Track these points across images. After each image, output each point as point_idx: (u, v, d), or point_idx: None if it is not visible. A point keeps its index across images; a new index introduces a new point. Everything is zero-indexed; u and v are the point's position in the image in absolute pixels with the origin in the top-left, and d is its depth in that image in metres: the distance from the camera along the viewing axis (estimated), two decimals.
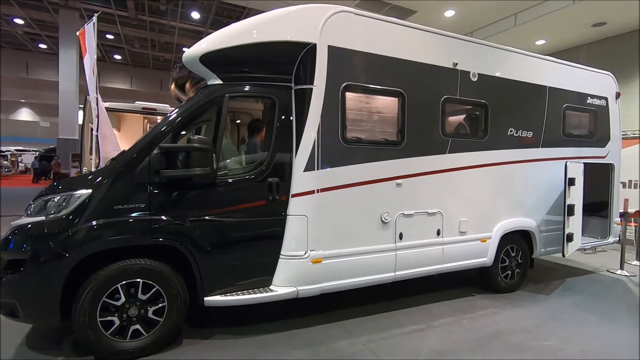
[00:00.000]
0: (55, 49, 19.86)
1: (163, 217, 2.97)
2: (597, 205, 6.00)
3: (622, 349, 3.41)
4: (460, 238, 4.27)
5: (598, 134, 5.57)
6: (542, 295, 4.75)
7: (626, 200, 6.10)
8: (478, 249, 4.42)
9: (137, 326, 2.89)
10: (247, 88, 3.34)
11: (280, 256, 3.36)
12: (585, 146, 5.44)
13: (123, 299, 2.84)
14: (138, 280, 2.89)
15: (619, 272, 5.98)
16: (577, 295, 4.83)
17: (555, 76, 5.06)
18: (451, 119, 4.32)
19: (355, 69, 3.59)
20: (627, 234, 8.63)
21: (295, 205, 3.36)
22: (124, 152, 3.09)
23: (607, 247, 7.94)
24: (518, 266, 4.87)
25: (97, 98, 4.73)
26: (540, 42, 15.72)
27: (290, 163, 3.36)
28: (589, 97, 5.42)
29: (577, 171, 4.84)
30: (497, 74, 4.52)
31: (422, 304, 4.35)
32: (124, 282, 2.84)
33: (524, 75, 4.76)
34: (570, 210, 4.65)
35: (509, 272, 4.78)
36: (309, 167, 3.36)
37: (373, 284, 3.77)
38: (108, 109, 6.88)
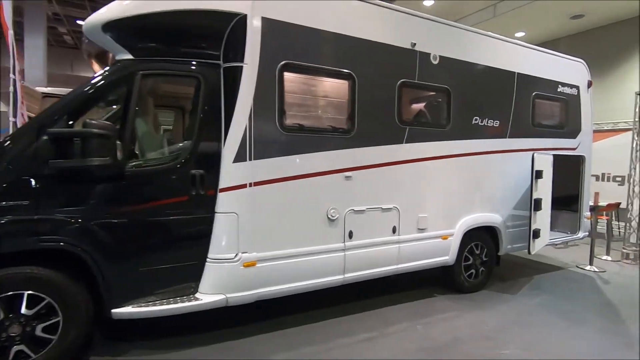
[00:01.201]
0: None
1: (56, 217, 2.49)
2: (567, 199, 5.78)
3: (586, 357, 3.13)
4: (419, 236, 3.92)
5: (569, 125, 5.30)
6: (508, 295, 4.47)
7: (596, 194, 5.89)
8: (439, 247, 4.09)
9: (22, 347, 2.42)
10: (164, 65, 2.87)
11: (207, 260, 2.93)
12: (556, 137, 5.16)
13: (1, 315, 2.37)
14: (23, 292, 2.41)
15: (588, 267, 5.79)
16: (544, 294, 4.56)
17: (524, 62, 4.74)
18: (409, 105, 3.93)
19: (296, 45, 3.15)
20: (598, 228, 8.58)
21: (223, 201, 2.92)
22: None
23: (579, 241, 7.81)
24: (483, 264, 4.56)
25: (14, 79, 4.16)
26: (520, 34, 15.54)
27: (218, 153, 2.91)
28: (559, 86, 5.13)
29: (545, 163, 4.55)
30: (461, 57, 4.14)
31: (379, 307, 3.99)
32: (3, 295, 2.36)
33: (490, 60, 4.41)
34: (537, 204, 4.36)
35: (473, 270, 4.48)
36: (240, 157, 2.93)
37: (319, 288, 3.39)
38: (48, 95, 6.28)
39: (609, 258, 6.47)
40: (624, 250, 6.39)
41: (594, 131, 10.09)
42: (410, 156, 3.81)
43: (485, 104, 4.37)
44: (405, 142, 3.76)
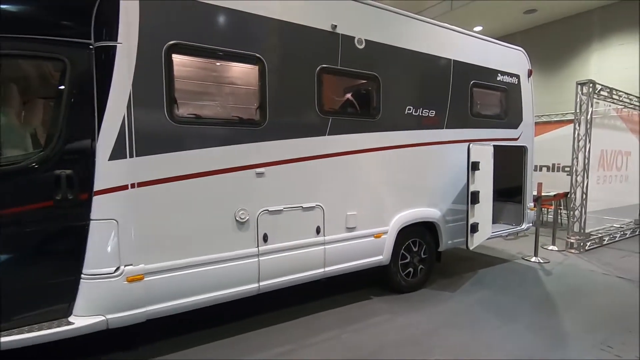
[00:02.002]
0: None
1: None
2: (512, 191, 5.70)
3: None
4: (347, 235, 3.63)
5: (509, 115, 5.18)
6: (447, 293, 4.28)
7: (539, 185, 5.86)
8: (371, 247, 3.81)
9: None
10: (21, 44, 2.38)
11: (82, 276, 2.48)
12: (496, 128, 5.02)
13: None
14: None
15: (533, 259, 5.76)
16: (484, 289, 4.41)
17: (461, 49, 4.53)
18: (332, 94, 3.61)
19: (187, 24, 2.72)
20: (547, 218, 8.72)
21: (99, 206, 2.47)
22: None
23: (528, 232, 7.87)
24: (421, 262, 4.35)
25: None
26: (477, 28, 15.76)
27: (90, 149, 2.46)
28: (499, 74, 4.99)
29: (482, 154, 4.38)
30: (391, 43, 3.86)
31: (308, 314, 3.68)
32: None
33: (425, 46, 4.17)
34: (474, 197, 4.18)
35: (411, 269, 4.25)
36: (118, 153, 2.49)
37: (227, 301, 3.01)
38: None
39: (555, 248, 6.50)
40: (569, 240, 6.43)
41: (546, 122, 10.36)
42: (335, 149, 3.49)
43: (419, 93, 4.13)
44: (329, 134, 3.44)
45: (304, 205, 3.34)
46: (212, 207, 2.88)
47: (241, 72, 3.04)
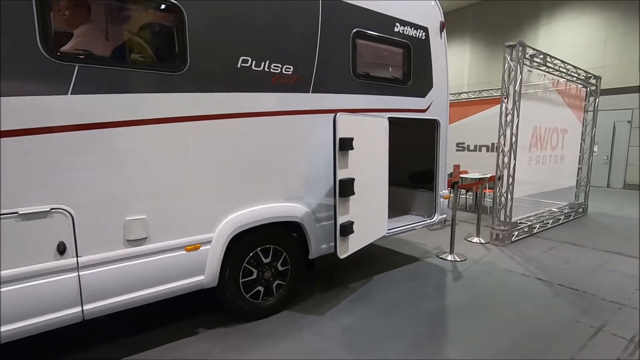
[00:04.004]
0: None
1: None
2: (427, 175, 4.67)
3: None
4: (128, 252, 2.36)
5: (414, 79, 4.05)
6: (312, 317, 3.17)
7: (456, 167, 4.86)
8: (180, 265, 2.58)
9: None
10: None
11: None
12: (394, 94, 3.89)
13: None
14: None
15: (449, 257, 4.82)
16: (365, 308, 3.34)
17: None
18: (74, 21, 2.25)
19: None
20: (484, 202, 7.90)
21: None
22: None
23: (458, 220, 7.01)
24: (280, 276, 3.21)
25: None
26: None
27: None
28: (397, 24, 3.81)
29: (361, 128, 3.23)
30: None
31: None
32: None
33: None
34: (346, 187, 3.04)
35: (261, 288, 3.10)
36: None
37: None
38: None
39: (481, 240, 5.63)
40: (493, 231, 5.57)
41: (490, 98, 9.52)
42: (89, 117, 2.17)
43: (263, 38, 2.86)
44: (72, 93, 2.10)
45: (28, 211, 2.03)
46: None
47: None
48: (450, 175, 4.87)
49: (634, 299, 3.59)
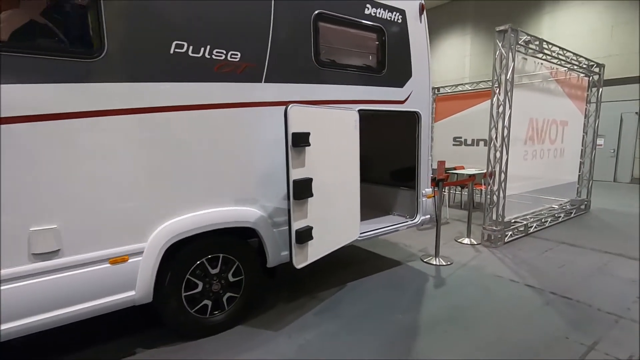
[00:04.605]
0: None
1: None
2: (407, 173, 4.31)
3: None
4: (35, 268, 2.05)
5: (390, 67, 3.68)
6: (267, 334, 2.84)
7: (441, 163, 4.49)
8: (105, 280, 2.26)
9: None
10: None
11: None
12: (367, 84, 3.52)
13: None
14: None
15: (434, 261, 4.46)
16: (330, 321, 2.99)
17: None
18: None
19: None
20: (481, 199, 7.44)
21: None
22: None
23: (451, 219, 6.64)
24: (230, 288, 2.89)
25: None
26: None
27: None
28: (368, 6, 3.44)
29: (321, 122, 2.89)
30: None
31: None
32: None
33: None
34: (302, 188, 2.70)
35: (208, 302, 2.78)
36: None
37: None
38: None
39: (472, 241, 5.26)
40: (484, 231, 5.19)
41: (486, 90, 9.06)
42: None
43: (200, 19, 2.51)
44: None
45: None
46: None
47: None
48: (434, 172, 4.51)
49: (634, 309, 3.20)
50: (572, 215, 6.78)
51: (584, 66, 6.68)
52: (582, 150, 7.23)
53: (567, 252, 4.79)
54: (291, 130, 2.56)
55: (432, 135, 10.05)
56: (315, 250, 2.91)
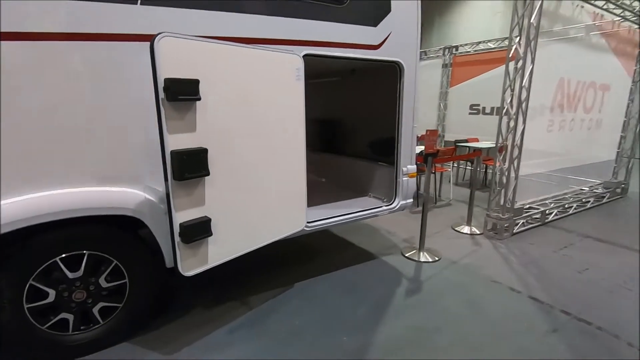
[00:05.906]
0: None
1: None
2: (388, 145, 3.36)
3: None
4: None
5: None
6: (153, 356, 2.12)
7: (431, 133, 3.48)
8: None
9: None
10: None
11: None
12: (317, 18, 2.52)
13: None
14: None
15: (418, 256, 3.57)
16: (244, 343, 2.21)
17: None
18: None
19: None
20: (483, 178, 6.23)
21: None
22: None
23: (455, 201, 5.64)
24: (109, 297, 2.14)
25: None
26: None
27: None
28: None
29: (240, 66, 1.97)
30: None
31: None
32: None
33: None
34: (187, 164, 1.84)
35: (71, 315, 2.05)
36: None
37: None
38: None
39: (474, 229, 4.30)
40: (488, 219, 4.21)
41: (499, 49, 7.67)
42: None
43: None
44: None
45: None
46: None
47: None
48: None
49: None
50: (604, 200, 5.62)
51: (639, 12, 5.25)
52: (624, 122, 5.92)
53: (592, 249, 3.78)
54: (162, 74, 1.67)
55: (445, 102, 8.83)
56: (221, 250, 2.09)
